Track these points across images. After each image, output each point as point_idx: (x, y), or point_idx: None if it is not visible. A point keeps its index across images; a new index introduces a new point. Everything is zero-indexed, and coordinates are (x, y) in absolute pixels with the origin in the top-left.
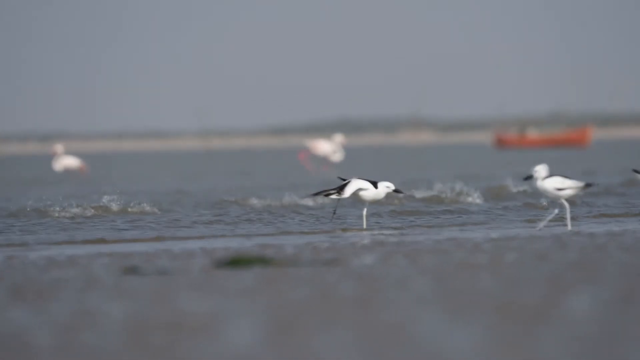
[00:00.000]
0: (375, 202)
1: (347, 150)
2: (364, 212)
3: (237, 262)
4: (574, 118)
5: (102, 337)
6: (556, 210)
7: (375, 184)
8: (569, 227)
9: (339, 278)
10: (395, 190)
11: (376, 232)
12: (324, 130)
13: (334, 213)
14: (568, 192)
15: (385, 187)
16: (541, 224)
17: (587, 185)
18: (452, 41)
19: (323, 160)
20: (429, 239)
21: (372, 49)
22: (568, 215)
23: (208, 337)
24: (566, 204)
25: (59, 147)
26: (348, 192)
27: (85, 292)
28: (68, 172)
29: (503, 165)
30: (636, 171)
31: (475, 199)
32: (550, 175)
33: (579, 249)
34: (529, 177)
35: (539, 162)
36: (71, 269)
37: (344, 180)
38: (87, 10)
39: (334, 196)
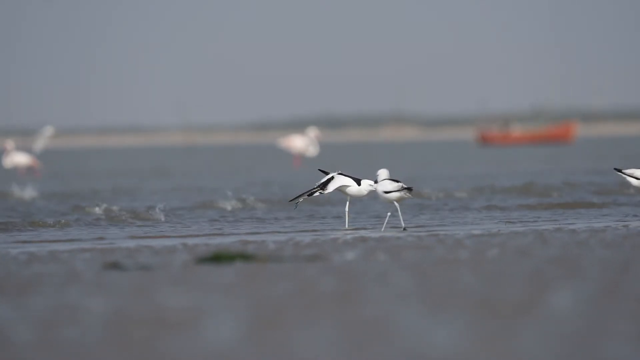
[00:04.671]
0: (358, 199)
1: (332, 146)
2: (346, 209)
3: (218, 257)
4: (556, 114)
5: (82, 332)
6: (389, 213)
7: (358, 181)
8: (402, 225)
9: (320, 274)
10: None
11: (358, 228)
12: (306, 126)
13: (296, 205)
14: (394, 195)
15: (368, 185)
16: (383, 227)
17: (409, 189)
18: (433, 37)
19: (299, 156)
20: (410, 235)
21: (355, 45)
22: (400, 215)
23: (189, 332)
24: (397, 206)
25: (9, 143)
26: (330, 188)
27: (67, 287)
28: (17, 170)
29: (506, 164)
30: (618, 170)
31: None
32: (385, 179)
33: (561, 245)
34: (374, 182)
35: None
36: (52, 265)
37: (326, 173)
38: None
39: (317, 194)
